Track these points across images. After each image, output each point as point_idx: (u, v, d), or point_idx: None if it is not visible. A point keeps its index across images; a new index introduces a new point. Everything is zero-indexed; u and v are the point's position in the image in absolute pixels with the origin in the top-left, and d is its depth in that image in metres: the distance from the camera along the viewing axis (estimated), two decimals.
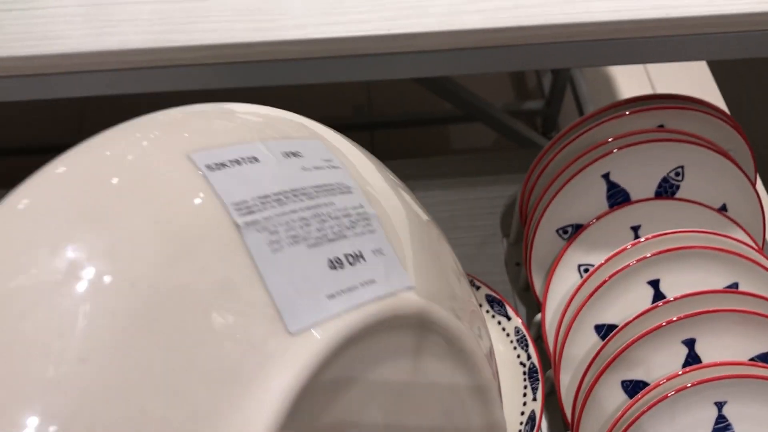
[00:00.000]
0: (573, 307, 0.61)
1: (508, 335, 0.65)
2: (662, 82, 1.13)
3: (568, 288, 0.64)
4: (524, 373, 0.62)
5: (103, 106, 1.55)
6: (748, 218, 0.65)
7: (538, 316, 0.65)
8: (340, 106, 1.58)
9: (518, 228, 0.75)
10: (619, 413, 0.54)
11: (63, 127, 1.53)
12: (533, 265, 0.66)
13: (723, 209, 0.64)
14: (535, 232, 0.64)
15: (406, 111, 1.55)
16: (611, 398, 0.56)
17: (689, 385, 0.51)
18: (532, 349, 0.63)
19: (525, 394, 0.61)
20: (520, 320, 0.65)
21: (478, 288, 0.67)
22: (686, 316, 0.54)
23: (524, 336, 0.64)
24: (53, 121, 1.54)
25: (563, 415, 0.61)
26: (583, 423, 0.56)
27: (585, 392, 0.56)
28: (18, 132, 1.53)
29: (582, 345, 0.59)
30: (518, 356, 0.63)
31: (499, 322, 0.67)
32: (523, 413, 0.59)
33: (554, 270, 0.64)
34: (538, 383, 0.61)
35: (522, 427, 0.58)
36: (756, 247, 0.60)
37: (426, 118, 1.52)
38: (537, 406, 0.59)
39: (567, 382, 0.60)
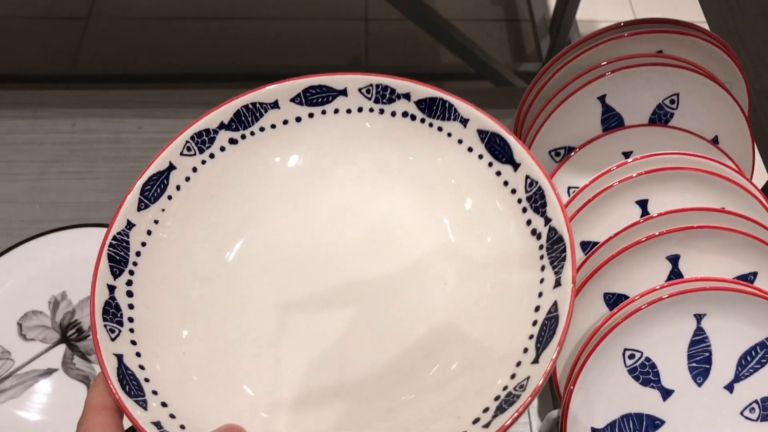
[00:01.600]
0: None
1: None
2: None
3: None
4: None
5: (99, 37, 1.54)
6: (740, 152, 0.66)
7: None
8: (337, 57, 1.57)
9: None
10: (598, 324, 0.55)
11: (58, 59, 1.52)
12: None
13: (715, 141, 0.65)
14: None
15: (403, 65, 1.55)
16: (593, 310, 0.56)
17: (665, 296, 0.52)
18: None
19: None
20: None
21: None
22: (669, 231, 0.55)
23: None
24: (49, 51, 1.53)
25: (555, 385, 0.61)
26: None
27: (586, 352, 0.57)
28: (13, 60, 1.52)
29: None
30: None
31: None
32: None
33: None
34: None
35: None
36: (745, 176, 0.60)
37: (423, 72, 1.52)
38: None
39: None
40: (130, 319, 0.39)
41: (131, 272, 0.40)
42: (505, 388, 0.36)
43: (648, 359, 0.53)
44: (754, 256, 0.55)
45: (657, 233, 0.55)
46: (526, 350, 0.37)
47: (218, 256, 0.43)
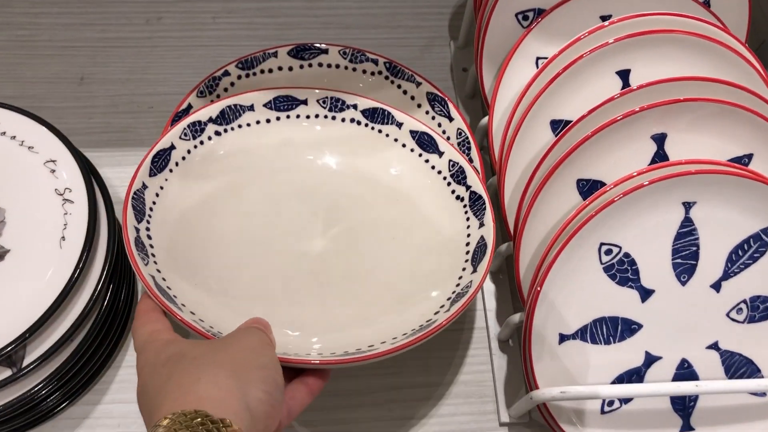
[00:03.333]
0: (526, 100, 0.52)
1: (448, 138, 0.57)
2: None
3: (522, 83, 0.55)
4: (465, 206, 0.53)
5: None
6: (735, 19, 0.57)
7: (485, 119, 0.56)
8: None
9: (468, 29, 0.65)
10: (571, 214, 0.47)
11: None
12: (485, 58, 0.56)
13: (707, 4, 0.55)
14: (490, 15, 0.54)
15: None
16: (564, 199, 0.48)
17: (646, 183, 0.44)
18: (474, 152, 0.55)
19: (469, 226, 0.52)
20: (463, 121, 0.56)
21: (419, 84, 0.57)
22: (653, 105, 0.46)
23: (467, 138, 0.56)
24: None
25: (506, 227, 0.53)
26: (528, 227, 0.49)
27: (533, 192, 0.48)
28: None
29: (534, 143, 0.51)
30: (453, 191, 0.54)
31: (440, 124, 0.58)
32: (468, 244, 0.52)
33: (508, 61, 0.54)
34: (483, 211, 0.52)
35: (467, 262, 0.51)
36: (741, 41, 0.52)
37: None
38: (487, 231, 0.51)
39: (512, 186, 0.52)
40: (153, 254, 0.48)
41: (148, 221, 0.49)
42: (453, 291, 0.49)
43: (627, 255, 0.46)
44: (750, 134, 0.47)
45: (638, 108, 0.46)
46: (464, 269, 0.51)
47: (210, 211, 0.53)
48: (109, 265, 0.47)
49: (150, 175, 0.50)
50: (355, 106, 0.57)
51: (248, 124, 0.56)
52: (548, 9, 0.54)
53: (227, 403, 0.34)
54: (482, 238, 0.51)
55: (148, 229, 0.49)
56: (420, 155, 0.56)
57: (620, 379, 0.47)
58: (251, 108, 0.56)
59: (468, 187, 0.54)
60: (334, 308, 0.50)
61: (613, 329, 0.47)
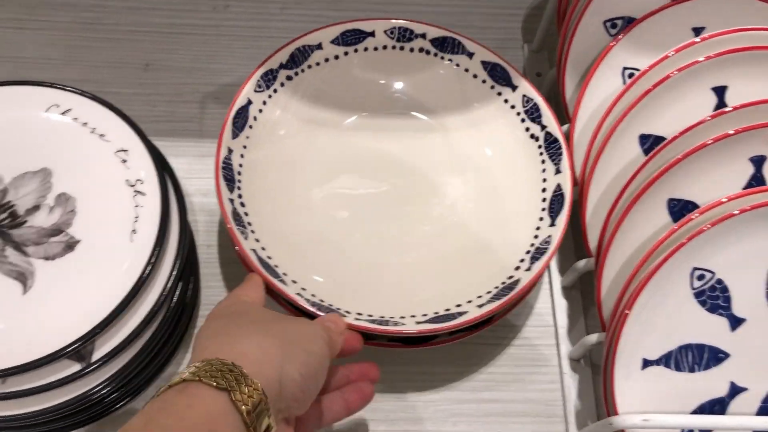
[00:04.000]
0: (615, 112, 0.50)
1: (513, 107, 0.55)
2: None
3: (607, 94, 0.53)
4: (539, 147, 0.53)
5: None
6: None
7: (566, 126, 0.54)
8: None
9: (545, 33, 0.63)
10: (661, 237, 0.45)
11: None
12: (569, 65, 0.54)
13: None
14: (578, 21, 0.52)
15: None
16: (653, 218, 0.46)
17: (737, 212, 0.42)
18: (549, 117, 0.53)
19: (544, 170, 0.52)
20: (529, 85, 0.54)
21: (471, 54, 0.55)
22: (749, 128, 0.44)
23: (536, 105, 0.53)
24: None
25: (585, 243, 0.51)
26: (614, 245, 0.47)
27: (622, 210, 0.46)
28: None
29: (622, 157, 0.49)
30: (527, 129, 0.54)
31: (500, 93, 0.55)
32: (544, 190, 0.52)
33: (594, 70, 0.52)
34: (560, 156, 0.51)
35: (544, 211, 0.51)
36: None
37: None
38: (563, 179, 0.51)
39: (595, 200, 0.50)
40: (249, 223, 0.49)
41: (239, 187, 0.50)
42: (532, 244, 0.50)
43: (719, 282, 0.44)
44: None
45: (732, 131, 0.44)
46: (541, 219, 0.51)
47: (291, 170, 0.54)
48: (180, 261, 0.46)
49: (233, 137, 0.50)
50: (423, 35, 0.56)
51: (317, 63, 0.55)
52: (638, 18, 0.52)
53: (263, 368, 0.35)
54: (559, 186, 0.51)
55: (240, 196, 0.49)
56: (492, 87, 0.55)
57: (702, 409, 0.45)
58: (319, 46, 0.55)
59: (543, 127, 0.53)
60: (415, 265, 0.51)
61: (698, 357, 0.45)
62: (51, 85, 0.49)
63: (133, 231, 0.45)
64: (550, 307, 0.54)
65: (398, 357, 0.51)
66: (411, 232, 0.52)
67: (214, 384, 0.33)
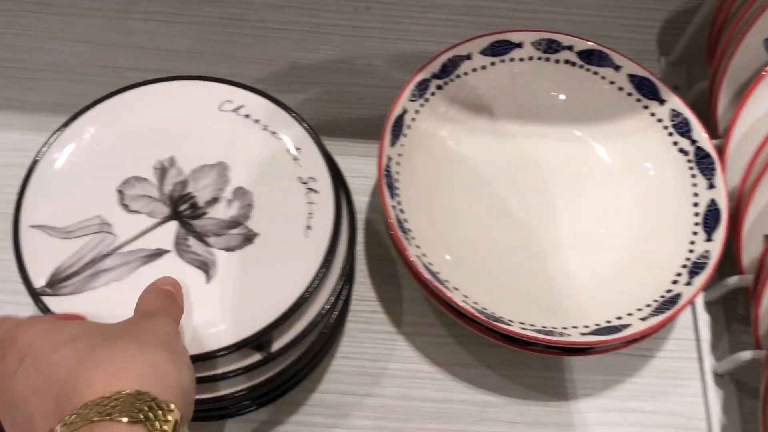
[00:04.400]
0: None
1: (660, 121, 0.55)
2: None
3: (763, 114, 0.53)
4: (689, 161, 0.53)
5: None
6: None
7: (717, 141, 0.55)
8: None
9: (686, 46, 0.63)
10: None
11: None
12: (725, 81, 0.54)
13: None
14: (740, 39, 0.52)
15: None
16: None
17: None
18: (698, 130, 0.53)
19: (695, 185, 0.52)
20: (678, 99, 0.54)
21: (618, 67, 0.56)
22: None
23: (685, 119, 0.54)
24: None
25: (738, 259, 0.52)
26: None
27: None
28: None
29: None
30: (675, 143, 0.54)
31: (646, 107, 0.56)
32: (696, 204, 0.52)
33: (754, 87, 0.52)
34: (713, 171, 0.52)
35: (697, 225, 0.51)
36: None
37: None
38: (718, 194, 0.51)
39: (753, 218, 0.51)
40: (409, 230, 0.50)
41: (397, 194, 0.51)
42: (688, 259, 0.50)
43: None
44: None
45: None
46: (695, 233, 0.51)
47: (443, 174, 0.55)
48: (350, 258, 0.47)
49: (391, 145, 0.52)
50: (570, 48, 0.56)
51: (465, 73, 0.56)
52: None
53: (168, 385, 0.31)
54: (713, 202, 0.51)
55: (399, 203, 0.50)
56: (638, 100, 0.56)
57: None
58: (468, 57, 0.56)
59: (693, 142, 0.53)
60: (570, 274, 0.52)
61: None
62: (223, 81, 0.51)
63: (308, 227, 0.47)
64: (692, 321, 0.55)
65: (545, 364, 0.52)
66: (563, 241, 0.53)
67: (126, 420, 0.28)
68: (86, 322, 0.37)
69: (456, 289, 0.48)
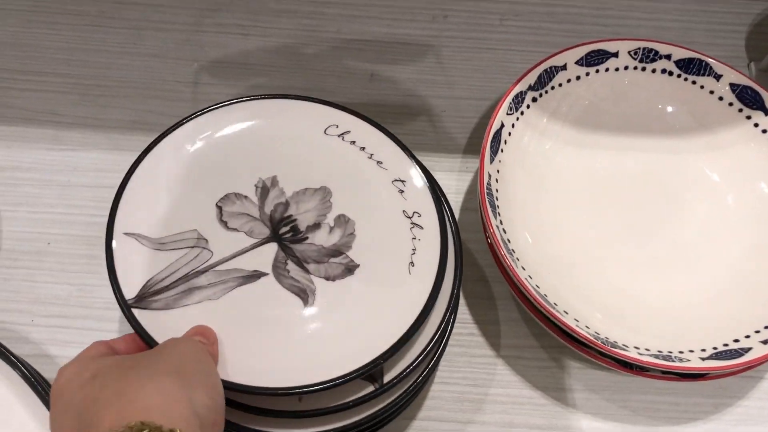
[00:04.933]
0: None
1: (764, 132, 0.53)
2: None
3: None
4: None
5: None
6: None
7: None
8: None
9: None
10: None
11: None
12: None
13: None
14: None
15: None
16: None
17: None
18: None
19: None
20: None
21: (718, 77, 0.54)
22: None
23: None
24: None
25: None
26: None
27: None
28: None
29: None
30: None
31: (749, 117, 0.54)
32: None
33: None
34: None
35: None
36: None
37: None
38: None
39: None
40: (513, 251, 0.48)
41: (499, 213, 0.50)
42: None
43: None
44: None
45: None
46: None
47: (540, 190, 0.54)
48: (456, 293, 0.45)
49: (491, 162, 0.50)
50: (669, 56, 0.55)
51: (560, 84, 0.55)
52: None
53: (176, 411, 0.32)
54: None
55: (501, 222, 0.49)
56: (740, 110, 0.54)
57: None
58: (564, 67, 0.54)
59: None
60: (678, 294, 0.50)
61: None
62: (330, 104, 0.50)
63: (411, 263, 0.45)
64: None
65: (649, 387, 0.50)
66: (666, 259, 0.51)
67: None
68: (110, 358, 0.37)
69: (566, 312, 0.46)
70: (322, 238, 0.45)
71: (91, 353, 0.37)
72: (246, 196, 0.46)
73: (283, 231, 0.46)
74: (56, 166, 0.56)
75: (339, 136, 0.49)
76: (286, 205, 0.46)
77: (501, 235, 0.48)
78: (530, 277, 0.47)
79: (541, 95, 0.54)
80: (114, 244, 0.43)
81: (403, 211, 0.46)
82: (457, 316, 0.52)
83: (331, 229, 0.46)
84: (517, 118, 0.53)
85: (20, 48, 0.61)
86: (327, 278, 0.44)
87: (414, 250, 0.45)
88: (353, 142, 0.48)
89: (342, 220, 0.46)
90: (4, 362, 0.46)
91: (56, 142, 0.57)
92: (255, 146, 0.48)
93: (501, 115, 0.51)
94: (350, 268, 0.45)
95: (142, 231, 0.44)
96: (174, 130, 0.47)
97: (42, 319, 0.51)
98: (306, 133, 0.49)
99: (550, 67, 0.53)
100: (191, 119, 0.48)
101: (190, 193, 0.46)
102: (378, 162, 0.48)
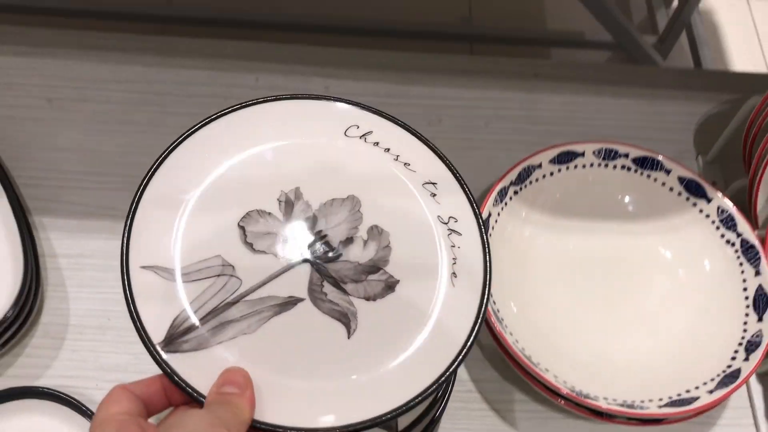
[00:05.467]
0: None
1: (707, 216, 0.64)
2: None
3: None
4: (736, 252, 0.61)
5: None
6: None
7: (759, 232, 0.63)
8: (443, 15, 1.52)
9: (723, 147, 0.72)
10: None
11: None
12: (763, 182, 0.63)
13: None
14: None
15: (508, 27, 1.50)
16: None
17: None
18: (742, 224, 0.62)
19: (743, 272, 0.61)
20: (722, 197, 0.63)
21: (668, 171, 0.65)
22: None
23: (730, 215, 0.62)
24: None
25: None
26: None
27: None
28: None
29: None
30: (722, 236, 0.63)
31: (695, 204, 0.65)
32: (746, 289, 0.60)
33: None
34: (758, 260, 0.60)
35: (748, 308, 0.59)
36: None
37: (528, 37, 1.47)
38: (764, 280, 0.59)
39: None
40: (501, 318, 0.58)
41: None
42: (743, 337, 0.58)
43: None
44: None
45: None
46: (747, 315, 0.59)
47: (524, 266, 0.64)
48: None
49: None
50: (626, 155, 0.66)
51: (537, 180, 0.65)
52: None
53: None
54: (761, 287, 0.59)
55: (491, 294, 0.53)
56: (687, 198, 0.65)
57: None
58: (539, 166, 0.65)
59: (739, 234, 0.61)
60: (641, 352, 0.59)
61: None
62: (349, 102, 0.47)
63: (453, 274, 0.42)
64: (746, 390, 0.62)
65: (617, 431, 0.60)
66: (630, 324, 0.62)
67: None
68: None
69: (547, 370, 0.56)
70: (357, 254, 0.42)
71: (112, 410, 0.36)
72: (269, 213, 0.43)
73: (315, 249, 0.42)
74: (114, 253, 0.66)
75: (361, 137, 0.46)
76: (314, 219, 0.43)
77: (491, 305, 0.58)
78: (517, 342, 0.57)
79: (521, 189, 0.65)
80: (132, 282, 0.39)
81: (438, 216, 0.44)
82: (458, 377, 0.62)
83: (365, 242, 0.43)
84: (502, 208, 0.64)
85: (82, 153, 0.72)
86: (367, 298, 0.41)
87: (454, 259, 0.42)
88: (377, 144, 0.46)
89: (375, 232, 0.43)
90: (80, 415, 0.56)
91: (114, 233, 0.68)
92: (272, 156, 0.44)
93: (488, 206, 0.62)
94: (390, 285, 0.42)
95: (159, 262, 0.40)
96: (180, 143, 0.44)
97: (105, 384, 0.60)
98: (325, 137, 0.45)
99: (528, 166, 0.65)
100: (197, 130, 0.45)
101: (207, 214, 0.42)
102: (405, 164, 0.45)
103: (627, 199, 0.67)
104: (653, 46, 1.37)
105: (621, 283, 0.64)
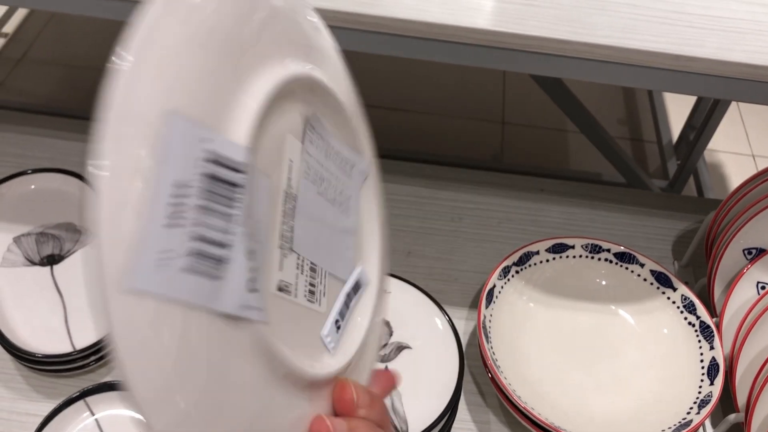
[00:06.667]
0: (753, 312, 0.73)
1: (673, 302, 0.78)
2: None
3: (746, 299, 0.76)
4: (695, 331, 0.76)
5: None
6: None
7: (716, 319, 0.77)
8: (475, 153, 1.73)
9: (693, 254, 0.87)
10: None
11: None
12: (717, 277, 0.78)
13: None
14: (725, 248, 0.77)
15: (535, 165, 1.69)
16: None
17: None
18: (701, 309, 0.77)
19: (701, 347, 0.75)
20: (686, 288, 0.78)
21: (642, 265, 0.80)
22: None
23: (691, 301, 0.77)
24: None
25: (734, 400, 0.72)
26: (758, 407, 0.67)
27: (764, 378, 0.68)
28: None
29: (762, 340, 0.71)
30: (685, 318, 0.77)
31: (664, 292, 0.79)
32: (702, 360, 0.74)
33: (736, 283, 0.76)
34: (712, 338, 0.74)
35: (703, 375, 0.72)
36: None
37: (552, 174, 1.66)
38: (717, 354, 0.73)
39: (742, 370, 0.72)
40: (499, 367, 0.72)
41: (490, 341, 0.74)
42: (698, 397, 0.71)
43: None
44: None
45: None
46: (702, 380, 0.73)
47: (520, 329, 0.79)
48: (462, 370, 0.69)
49: (485, 308, 0.75)
50: (609, 250, 0.82)
51: (535, 264, 0.81)
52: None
53: None
54: (714, 359, 0.73)
55: (492, 347, 0.72)
56: (657, 287, 0.79)
57: None
58: (537, 252, 0.81)
59: (698, 317, 0.76)
60: (615, 409, 0.73)
61: None
62: None
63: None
64: None
65: None
66: (607, 384, 0.74)
67: None
68: None
69: (533, 408, 0.69)
70: None
71: None
72: None
73: None
74: None
75: None
76: None
77: (492, 356, 0.71)
78: (515, 391, 0.70)
79: (521, 269, 0.80)
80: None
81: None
82: (460, 416, 0.75)
83: None
84: (505, 283, 0.79)
85: None
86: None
87: None
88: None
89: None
90: None
91: None
92: None
93: (494, 279, 0.77)
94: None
95: None
96: None
97: None
98: None
99: (528, 251, 0.80)
100: None
101: None
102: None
103: (607, 284, 0.81)
104: (663, 189, 1.54)
105: (601, 350, 0.77)
